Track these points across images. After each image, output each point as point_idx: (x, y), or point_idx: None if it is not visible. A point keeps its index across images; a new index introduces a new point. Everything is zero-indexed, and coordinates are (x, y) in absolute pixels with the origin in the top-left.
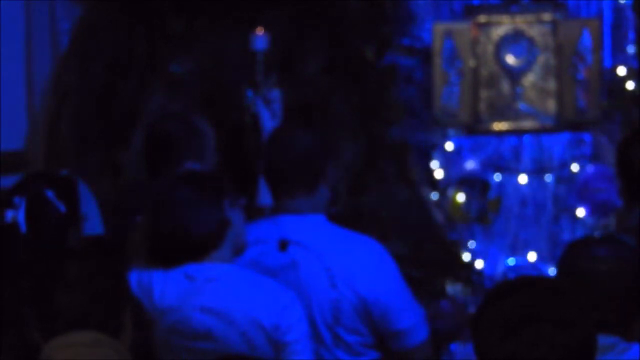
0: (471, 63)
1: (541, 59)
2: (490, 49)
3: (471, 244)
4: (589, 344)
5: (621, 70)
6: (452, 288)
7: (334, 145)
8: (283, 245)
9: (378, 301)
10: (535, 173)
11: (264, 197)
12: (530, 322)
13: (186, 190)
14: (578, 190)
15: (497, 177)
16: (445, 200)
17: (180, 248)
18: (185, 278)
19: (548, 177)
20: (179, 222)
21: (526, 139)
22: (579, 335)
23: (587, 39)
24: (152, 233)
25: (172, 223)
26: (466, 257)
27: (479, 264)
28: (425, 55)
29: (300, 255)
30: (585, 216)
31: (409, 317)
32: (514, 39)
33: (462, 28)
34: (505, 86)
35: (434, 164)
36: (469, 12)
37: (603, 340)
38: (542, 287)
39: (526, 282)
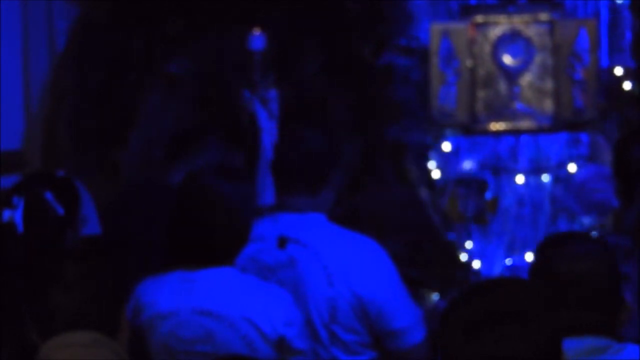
0: (468, 63)
1: (538, 59)
2: (487, 48)
3: (468, 244)
4: (555, 341)
5: (618, 71)
6: (450, 288)
7: (339, 150)
8: (282, 242)
9: (374, 300)
10: (533, 173)
11: (262, 197)
12: (494, 321)
13: (233, 187)
14: (575, 190)
15: (494, 177)
16: (443, 201)
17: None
18: (183, 281)
19: (545, 177)
20: (233, 219)
21: (523, 139)
22: (545, 332)
23: (584, 39)
24: (191, 228)
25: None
26: (463, 257)
27: (476, 264)
28: (422, 55)
29: (299, 253)
30: (582, 216)
31: (405, 318)
32: (511, 39)
33: (459, 28)
34: (502, 86)
35: (431, 164)
36: (466, 12)
37: (596, 342)
38: (505, 286)
39: (490, 283)
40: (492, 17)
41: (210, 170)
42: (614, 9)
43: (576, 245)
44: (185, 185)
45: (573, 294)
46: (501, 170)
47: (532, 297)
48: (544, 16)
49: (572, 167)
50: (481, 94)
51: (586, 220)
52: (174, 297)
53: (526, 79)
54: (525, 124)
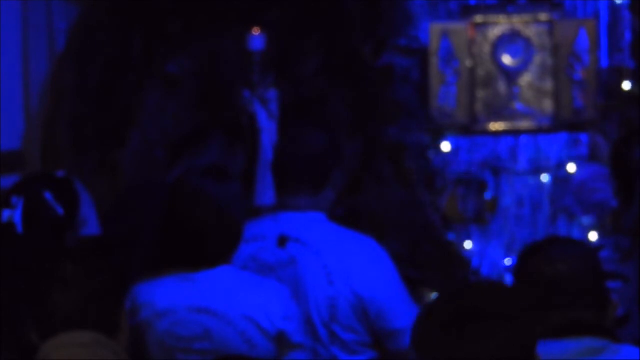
0: (468, 63)
1: (538, 59)
2: (486, 48)
3: (468, 244)
4: (530, 337)
5: (618, 71)
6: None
7: (340, 149)
8: (282, 241)
9: (374, 300)
10: (532, 173)
11: (262, 197)
12: (469, 320)
13: (224, 189)
14: (574, 190)
15: (493, 177)
16: (442, 201)
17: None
18: (180, 281)
19: (545, 177)
20: (228, 219)
21: (523, 139)
22: (520, 329)
23: (584, 39)
24: (183, 230)
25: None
26: (463, 257)
27: (476, 264)
28: (421, 55)
29: (299, 252)
30: (581, 216)
31: (405, 318)
32: (510, 39)
33: (459, 28)
34: (501, 86)
35: (431, 164)
36: (466, 12)
37: (593, 342)
38: (480, 287)
39: (465, 286)
40: (492, 17)
41: (197, 172)
42: (614, 9)
43: (556, 248)
44: (173, 188)
45: (557, 295)
46: (501, 170)
47: (508, 297)
48: (543, 16)
49: (571, 167)
50: (481, 94)
51: (585, 221)
52: (171, 296)
53: (526, 79)
54: (524, 124)
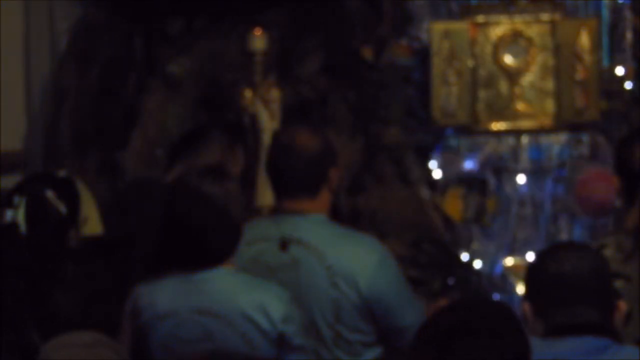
0: (469, 63)
1: (539, 59)
2: (488, 49)
3: (469, 244)
4: (522, 352)
5: (619, 71)
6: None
7: (335, 149)
8: (284, 244)
9: (379, 300)
10: (534, 173)
11: (263, 197)
12: (462, 336)
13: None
14: (576, 190)
15: (495, 177)
16: (444, 201)
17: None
18: (180, 283)
19: (546, 177)
20: (227, 220)
21: (524, 139)
22: (511, 344)
23: (585, 39)
24: (182, 231)
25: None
26: (464, 257)
27: (477, 264)
28: (423, 55)
29: (301, 254)
30: (583, 216)
31: (411, 315)
32: (512, 39)
33: (460, 28)
34: (503, 86)
35: (432, 164)
36: (467, 12)
37: (596, 342)
38: (472, 303)
39: (458, 302)
40: (493, 17)
41: (196, 172)
42: (615, 9)
43: (562, 250)
44: (173, 188)
45: (562, 294)
46: (502, 170)
47: (498, 313)
48: (545, 16)
49: (573, 167)
50: (482, 94)
51: (587, 221)
52: (173, 298)
53: (527, 79)
54: (526, 124)
